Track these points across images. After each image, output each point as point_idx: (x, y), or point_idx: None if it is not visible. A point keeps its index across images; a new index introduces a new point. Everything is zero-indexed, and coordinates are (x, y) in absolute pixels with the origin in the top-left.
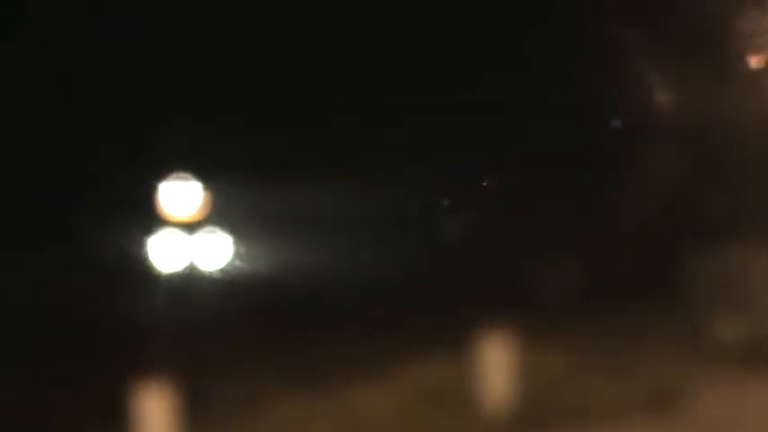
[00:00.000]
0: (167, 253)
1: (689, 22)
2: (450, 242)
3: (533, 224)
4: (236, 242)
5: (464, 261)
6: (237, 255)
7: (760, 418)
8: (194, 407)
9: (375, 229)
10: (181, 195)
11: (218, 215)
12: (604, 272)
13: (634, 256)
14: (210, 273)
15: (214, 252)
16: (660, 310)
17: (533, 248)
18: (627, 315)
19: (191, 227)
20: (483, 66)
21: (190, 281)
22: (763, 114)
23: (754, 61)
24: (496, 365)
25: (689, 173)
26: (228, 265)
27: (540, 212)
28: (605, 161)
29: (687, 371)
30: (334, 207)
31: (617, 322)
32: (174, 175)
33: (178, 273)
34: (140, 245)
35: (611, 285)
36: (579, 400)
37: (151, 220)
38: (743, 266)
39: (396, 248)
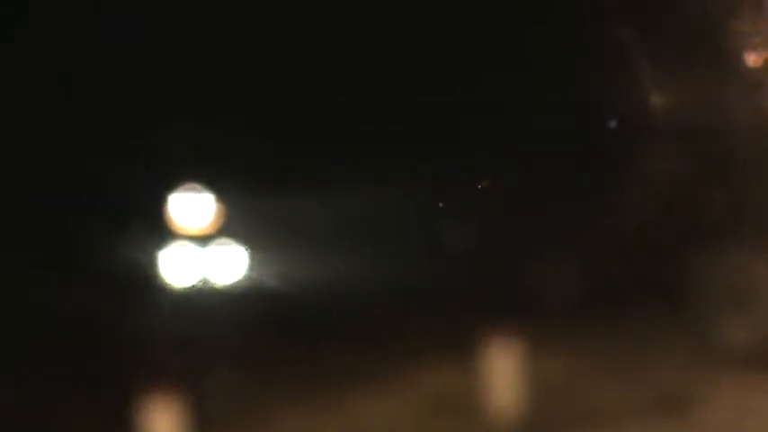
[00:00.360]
0: (179, 266)
1: (687, 22)
2: (454, 246)
3: (534, 225)
4: (250, 254)
5: (468, 265)
6: (251, 267)
7: (764, 421)
8: (203, 419)
9: (385, 236)
10: (192, 207)
11: (231, 227)
12: (606, 274)
13: (635, 257)
14: (224, 286)
15: (227, 265)
16: (663, 313)
17: (535, 250)
18: (629, 317)
19: (203, 239)
20: (482, 66)
21: (202, 294)
22: (762, 113)
23: (752, 60)
24: (502, 370)
25: (689, 173)
26: (242, 277)
27: (540, 214)
28: (604, 161)
29: (691, 374)
30: (349, 215)
31: (620, 325)
32: (186, 186)
33: (190, 286)
34: (152, 258)
35: (612, 287)
36: (584, 405)
37: (162, 232)
38: (745, 267)
39: (403, 254)
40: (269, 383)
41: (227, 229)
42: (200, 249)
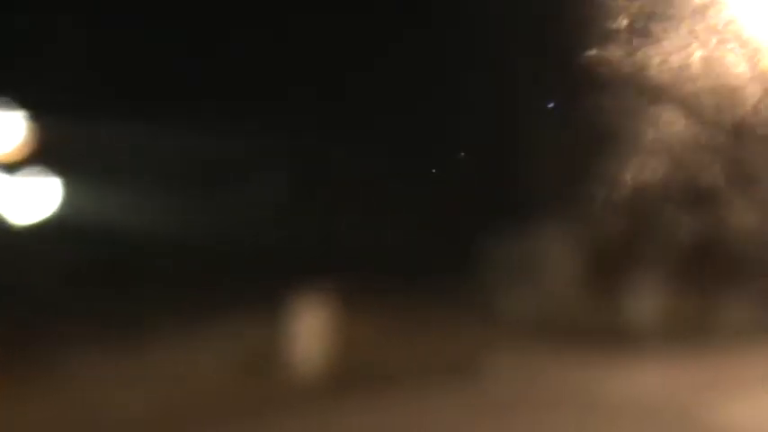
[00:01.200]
0: None
1: None
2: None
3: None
4: (64, 187)
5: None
6: (64, 203)
7: (544, 381)
8: None
9: (221, 186)
10: None
11: (44, 154)
12: (418, 250)
13: (442, 236)
14: (26, 224)
15: (34, 199)
16: (462, 286)
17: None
18: (432, 291)
19: (7, 167)
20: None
21: None
22: None
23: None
24: (309, 332)
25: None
26: (52, 215)
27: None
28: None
29: (487, 341)
30: (181, 154)
31: (424, 298)
32: None
33: None
34: None
35: (422, 263)
36: (385, 366)
37: None
38: (536, 247)
39: (235, 205)
40: (68, 331)
41: (38, 157)
42: (6, 179)
